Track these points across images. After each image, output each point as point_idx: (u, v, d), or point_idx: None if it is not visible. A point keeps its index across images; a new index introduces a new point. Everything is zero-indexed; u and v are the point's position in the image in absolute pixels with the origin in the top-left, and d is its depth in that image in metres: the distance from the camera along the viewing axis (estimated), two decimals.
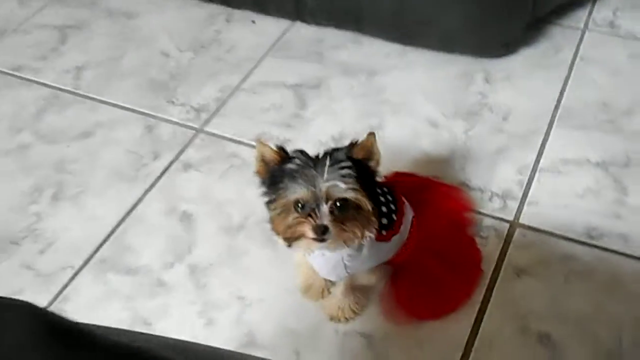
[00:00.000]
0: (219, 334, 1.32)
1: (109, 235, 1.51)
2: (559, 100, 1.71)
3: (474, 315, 1.30)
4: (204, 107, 1.79)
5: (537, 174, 1.53)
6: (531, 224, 1.44)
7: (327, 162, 1.02)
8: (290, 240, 1.06)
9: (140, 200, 1.57)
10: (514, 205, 1.47)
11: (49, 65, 1.96)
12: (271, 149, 1.06)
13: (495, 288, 1.33)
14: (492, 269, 1.36)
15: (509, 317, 1.29)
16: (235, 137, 1.69)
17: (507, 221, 1.44)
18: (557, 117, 1.66)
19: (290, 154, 1.07)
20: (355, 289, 1.30)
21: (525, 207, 1.47)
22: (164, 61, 1.93)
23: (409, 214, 1.25)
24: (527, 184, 1.51)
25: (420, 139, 1.64)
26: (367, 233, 1.08)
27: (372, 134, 1.06)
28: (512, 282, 1.34)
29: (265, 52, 1.93)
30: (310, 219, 1.01)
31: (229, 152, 1.66)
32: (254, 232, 1.47)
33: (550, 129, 1.63)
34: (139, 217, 1.54)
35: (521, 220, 1.45)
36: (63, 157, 1.69)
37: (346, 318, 1.30)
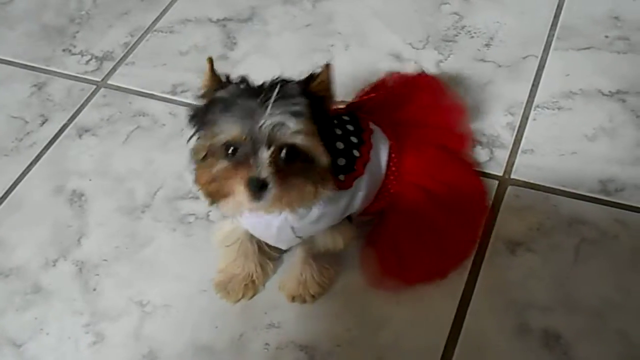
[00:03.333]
0: (108, 356, 1.08)
1: None
2: (556, 17, 1.53)
3: (454, 310, 1.07)
4: (108, 55, 1.55)
5: (532, 113, 1.36)
6: (527, 179, 1.26)
7: (274, 94, 0.85)
8: (214, 197, 0.88)
9: (20, 179, 1.33)
10: (503, 155, 1.30)
11: None
12: (209, 71, 0.90)
13: (481, 270, 1.12)
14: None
15: (501, 311, 1.08)
16: (144, 90, 1.47)
17: (495, 177, 1.26)
18: (554, 38, 1.49)
19: (231, 81, 0.91)
20: (318, 257, 1.09)
21: (518, 158, 1.30)
22: (63, 2, 1.70)
23: (383, 144, 1.07)
24: (519, 126, 1.34)
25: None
26: (321, 192, 0.91)
27: (328, 66, 0.91)
28: (504, 261, 1.14)
29: None
30: (243, 169, 0.84)
31: (136, 109, 1.43)
32: (162, 211, 1.25)
33: (547, 54, 1.46)
34: (17, 201, 1.30)
35: (513, 175, 1.27)
36: None
37: (312, 295, 1.09)
